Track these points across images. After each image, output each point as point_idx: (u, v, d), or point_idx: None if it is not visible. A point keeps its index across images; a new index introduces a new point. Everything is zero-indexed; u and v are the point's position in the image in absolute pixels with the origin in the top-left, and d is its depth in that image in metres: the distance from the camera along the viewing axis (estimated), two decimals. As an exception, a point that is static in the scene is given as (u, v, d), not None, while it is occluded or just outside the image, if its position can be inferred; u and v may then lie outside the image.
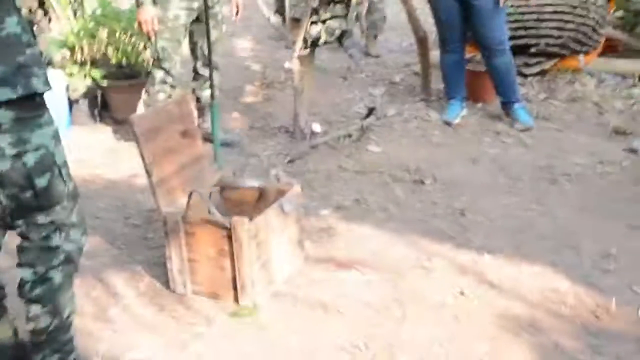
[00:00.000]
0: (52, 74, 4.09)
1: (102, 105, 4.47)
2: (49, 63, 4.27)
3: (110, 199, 3.43)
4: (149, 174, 2.59)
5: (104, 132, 4.32)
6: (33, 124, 1.88)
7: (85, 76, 4.28)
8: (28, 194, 1.91)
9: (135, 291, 2.69)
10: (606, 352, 2.27)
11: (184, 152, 2.76)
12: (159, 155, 2.63)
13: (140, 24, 3.66)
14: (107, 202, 3.41)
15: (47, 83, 1.91)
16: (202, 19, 3.71)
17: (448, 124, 4.24)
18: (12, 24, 1.82)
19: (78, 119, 4.36)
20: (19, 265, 2.04)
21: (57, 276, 2.03)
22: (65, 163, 2.00)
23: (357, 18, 4.06)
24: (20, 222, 1.97)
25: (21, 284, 2.03)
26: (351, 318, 2.49)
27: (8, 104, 1.82)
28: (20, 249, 2.03)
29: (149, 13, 3.60)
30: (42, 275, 2.01)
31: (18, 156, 1.87)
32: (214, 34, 3.73)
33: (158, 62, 3.75)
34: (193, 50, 3.92)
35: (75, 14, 4.61)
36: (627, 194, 3.34)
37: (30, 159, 1.88)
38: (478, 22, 4.08)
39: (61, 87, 4.12)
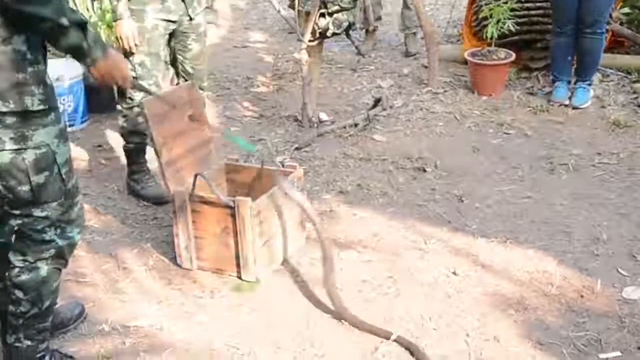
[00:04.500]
0: (71, 62, 4.26)
1: (118, 93, 4.61)
2: (68, 52, 4.43)
3: (124, 181, 3.58)
4: (158, 154, 2.73)
5: (120, 119, 4.46)
6: (37, 122, 1.94)
7: (102, 65, 4.43)
8: (25, 188, 1.97)
9: (144, 266, 2.85)
10: (588, 329, 2.39)
11: (192, 135, 2.90)
12: (168, 138, 2.77)
13: (118, 40, 3.20)
14: (120, 184, 3.56)
15: (43, 102, 1.94)
16: (180, 32, 3.34)
17: (563, 104, 4.41)
18: (19, 42, 1.87)
19: (95, 106, 4.50)
20: (12, 250, 2.11)
21: (44, 268, 2.10)
22: (67, 162, 2.04)
23: (365, 11, 4.15)
24: (17, 212, 2.03)
25: (10, 267, 2.11)
26: (347, 294, 2.62)
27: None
28: (16, 235, 2.09)
29: (129, 28, 3.14)
30: (31, 264, 2.09)
31: (18, 152, 1.92)
32: (196, 48, 3.40)
33: (135, 80, 3.04)
34: (173, 64, 3.50)
35: (93, 4, 4.77)
36: (621, 183, 3.43)
37: (29, 155, 1.94)
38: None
39: (79, 75, 4.27)
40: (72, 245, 2.16)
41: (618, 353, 2.28)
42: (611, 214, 3.14)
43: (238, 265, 2.71)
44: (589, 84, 4.48)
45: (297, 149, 3.96)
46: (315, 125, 4.22)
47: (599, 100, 4.50)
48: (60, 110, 2.08)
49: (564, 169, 3.62)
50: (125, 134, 3.41)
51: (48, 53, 2.00)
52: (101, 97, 4.49)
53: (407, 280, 2.71)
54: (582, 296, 2.56)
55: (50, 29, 1.85)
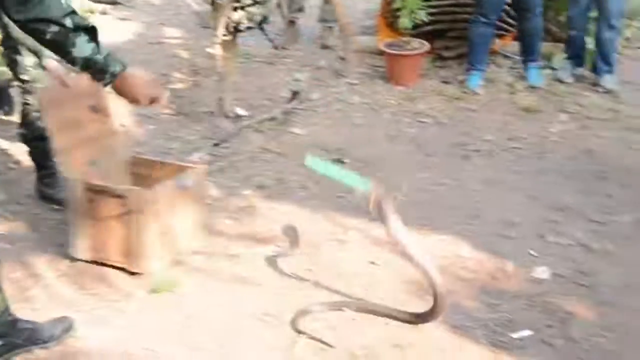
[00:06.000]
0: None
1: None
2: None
3: (34, 185, 3.45)
4: (52, 141, 2.65)
5: (19, 127, 4.30)
6: None
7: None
8: None
9: (56, 272, 2.75)
10: (500, 309, 2.46)
11: (92, 126, 2.83)
12: (63, 126, 2.69)
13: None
14: (29, 188, 3.42)
15: None
16: None
17: (475, 92, 4.55)
18: None
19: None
20: None
21: None
22: None
23: (279, 5, 4.13)
24: None
25: None
26: (267, 290, 2.61)
27: None
28: None
29: None
30: None
31: None
32: None
33: (29, 84, 3.08)
34: None
35: None
36: (531, 167, 3.55)
37: None
38: None
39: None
40: None
41: (530, 332, 2.35)
42: (522, 197, 3.24)
43: (132, 256, 2.66)
44: (539, 62, 4.71)
45: (215, 144, 3.91)
46: (233, 120, 4.17)
47: (509, 87, 4.63)
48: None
49: (477, 154, 3.72)
50: (27, 140, 3.28)
51: None
52: (6, 99, 4.32)
53: (326, 272, 2.72)
54: (494, 278, 2.64)
55: (56, 33, 1.79)
